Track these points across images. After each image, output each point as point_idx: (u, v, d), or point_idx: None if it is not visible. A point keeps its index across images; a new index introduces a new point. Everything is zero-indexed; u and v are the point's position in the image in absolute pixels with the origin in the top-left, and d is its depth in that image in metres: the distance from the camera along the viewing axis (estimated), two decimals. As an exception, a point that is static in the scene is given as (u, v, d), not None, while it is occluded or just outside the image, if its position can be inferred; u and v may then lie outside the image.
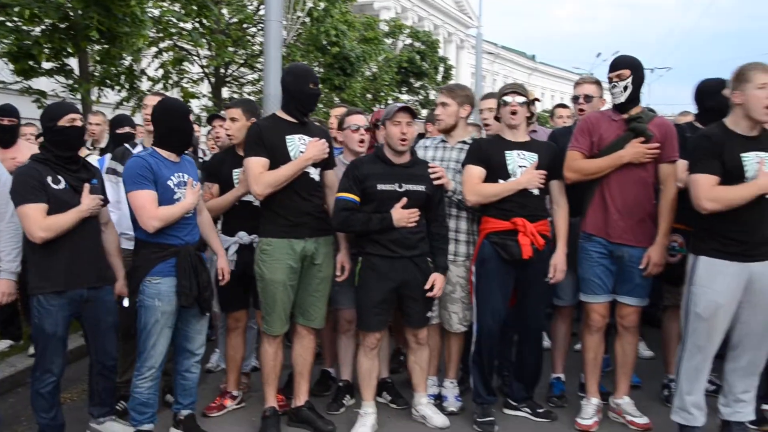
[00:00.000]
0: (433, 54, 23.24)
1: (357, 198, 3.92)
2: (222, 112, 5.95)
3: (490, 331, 4.14)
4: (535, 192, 4.06)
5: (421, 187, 3.99)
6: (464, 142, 4.38)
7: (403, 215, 3.89)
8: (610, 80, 4.08)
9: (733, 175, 3.53)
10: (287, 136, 3.95)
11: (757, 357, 3.69)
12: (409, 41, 23.31)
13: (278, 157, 3.90)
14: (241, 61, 14.23)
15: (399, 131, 3.93)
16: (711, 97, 4.26)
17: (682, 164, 3.96)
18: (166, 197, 3.68)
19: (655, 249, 3.99)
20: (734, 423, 3.78)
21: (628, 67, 4.04)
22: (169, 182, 3.72)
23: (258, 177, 3.85)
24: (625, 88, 4.02)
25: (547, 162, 4.12)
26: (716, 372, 4.11)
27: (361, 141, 4.50)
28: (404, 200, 3.91)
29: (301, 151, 3.93)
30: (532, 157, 4.09)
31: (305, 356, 4.17)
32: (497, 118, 4.27)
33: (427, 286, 3.98)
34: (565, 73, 57.77)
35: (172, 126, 3.80)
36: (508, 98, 4.11)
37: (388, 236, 3.91)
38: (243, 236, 4.32)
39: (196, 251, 3.84)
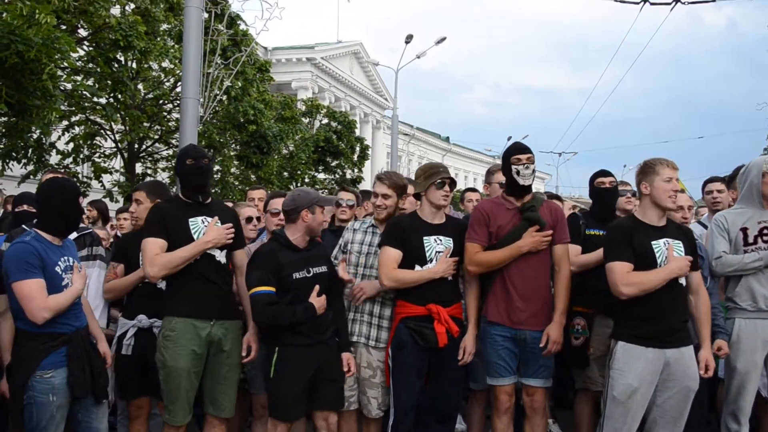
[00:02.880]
0: (350, 134, 23.64)
1: (274, 290, 3.84)
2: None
3: (407, 415, 4.10)
4: (449, 277, 4.13)
5: (324, 268, 4.05)
6: None
7: (322, 303, 3.91)
8: (519, 161, 4.10)
9: (646, 260, 3.75)
10: (190, 219, 3.89)
11: None
12: (326, 121, 23.70)
13: (182, 240, 3.82)
14: (156, 137, 14.11)
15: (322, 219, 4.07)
16: (591, 185, 4.88)
17: (574, 249, 4.22)
18: (54, 284, 3.43)
19: (553, 327, 4.04)
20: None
21: (531, 152, 4.18)
22: (57, 268, 3.47)
23: (153, 258, 3.74)
24: (533, 171, 4.14)
25: (462, 246, 4.19)
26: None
27: (278, 225, 4.50)
28: (317, 287, 3.91)
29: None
30: (447, 242, 4.16)
31: None
32: (417, 196, 4.28)
33: (345, 369, 4.02)
34: (478, 155, 59.55)
35: (61, 208, 3.56)
36: (446, 186, 4.15)
37: (307, 324, 3.87)
38: (142, 319, 4.18)
39: (87, 335, 3.64)
